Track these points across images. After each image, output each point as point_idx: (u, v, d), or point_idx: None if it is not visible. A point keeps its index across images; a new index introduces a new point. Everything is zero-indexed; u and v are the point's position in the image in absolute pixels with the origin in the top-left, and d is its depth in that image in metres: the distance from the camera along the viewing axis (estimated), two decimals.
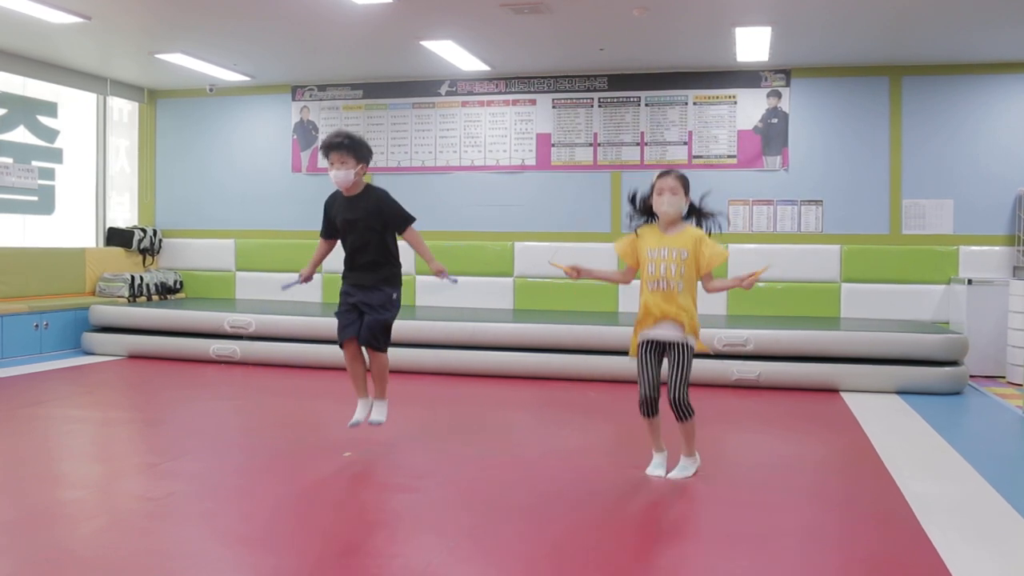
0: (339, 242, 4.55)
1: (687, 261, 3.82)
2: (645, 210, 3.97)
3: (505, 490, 3.78)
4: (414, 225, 4.48)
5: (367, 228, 4.35)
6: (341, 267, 4.52)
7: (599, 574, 2.86)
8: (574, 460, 4.37)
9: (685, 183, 3.88)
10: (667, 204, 3.84)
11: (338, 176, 4.31)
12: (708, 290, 3.94)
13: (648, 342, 3.88)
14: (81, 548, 3.04)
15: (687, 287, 3.84)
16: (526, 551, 3.05)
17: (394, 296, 4.43)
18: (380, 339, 4.39)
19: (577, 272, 3.99)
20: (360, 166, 4.33)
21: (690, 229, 3.90)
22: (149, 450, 4.60)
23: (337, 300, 4.54)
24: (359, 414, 4.50)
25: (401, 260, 4.52)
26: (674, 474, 3.94)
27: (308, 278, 4.59)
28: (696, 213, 3.94)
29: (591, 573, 2.86)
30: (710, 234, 3.92)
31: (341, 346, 4.45)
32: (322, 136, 9.03)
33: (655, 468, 4.00)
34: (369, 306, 4.35)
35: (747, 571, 2.88)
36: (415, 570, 2.83)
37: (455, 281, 4.56)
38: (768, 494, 3.78)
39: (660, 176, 3.90)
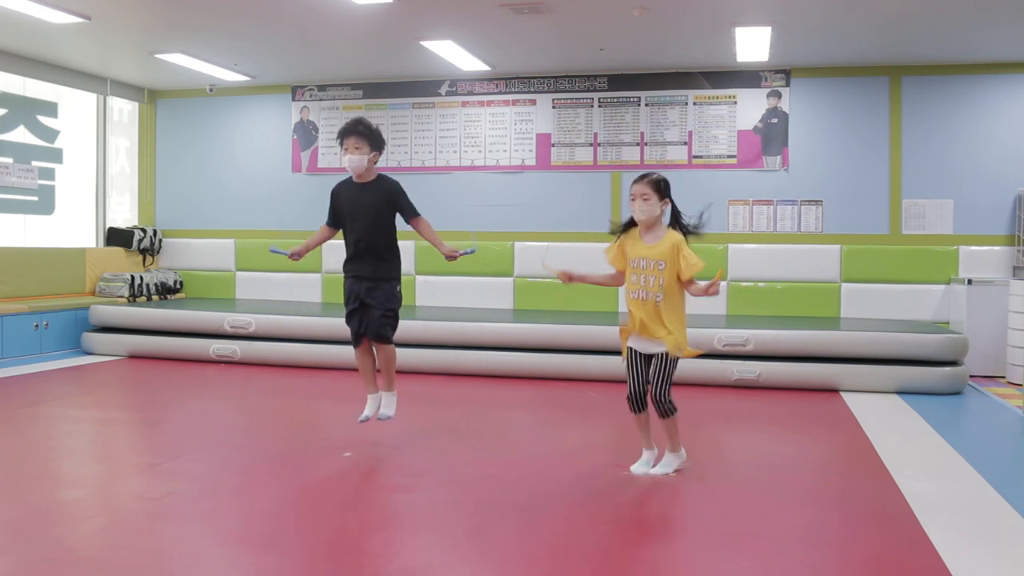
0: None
1: (666, 272, 3.80)
2: (631, 218, 3.97)
3: (505, 490, 3.78)
4: (422, 218, 4.52)
5: (376, 217, 4.36)
6: (343, 265, 4.52)
7: (598, 574, 2.86)
8: (574, 460, 4.37)
9: (658, 187, 3.83)
10: (639, 211, 3.85)
11: (352, 161, 4.32)
12: (692, 294, 3.91)
13: (633, 348, 3.94)
14: (81, 548, 3.04)
15: (668, 297, 3.81)
16: (526, 551, 3.05)
17: (397, 289, 4.47)
18: (386, 331, 4.41)
19: (568, 277, 4.03)
20: (374, 154, 4.35)
21: (669, 236, 3.86)
22: (149, 450, 4.60)
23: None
24: (368, 410, 4.53)
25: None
26: (656, 470, 3.97)
27: (298, 256, 4.54)
28: (676, 221, 3.92)
29: (590, 573, 2.86)
30: (687, 236, 3.88)
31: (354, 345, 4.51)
32: (322, 136, 9.03)
33: (641, 466, 4.02)
34: (375, 300, 4.36)
35: (747, 571, 2.88)
36: (415, 570, 2.83)
37: (472, 251, 4.55)
38: (768, 494, 3.78)
39: (634, 182, 3.89)
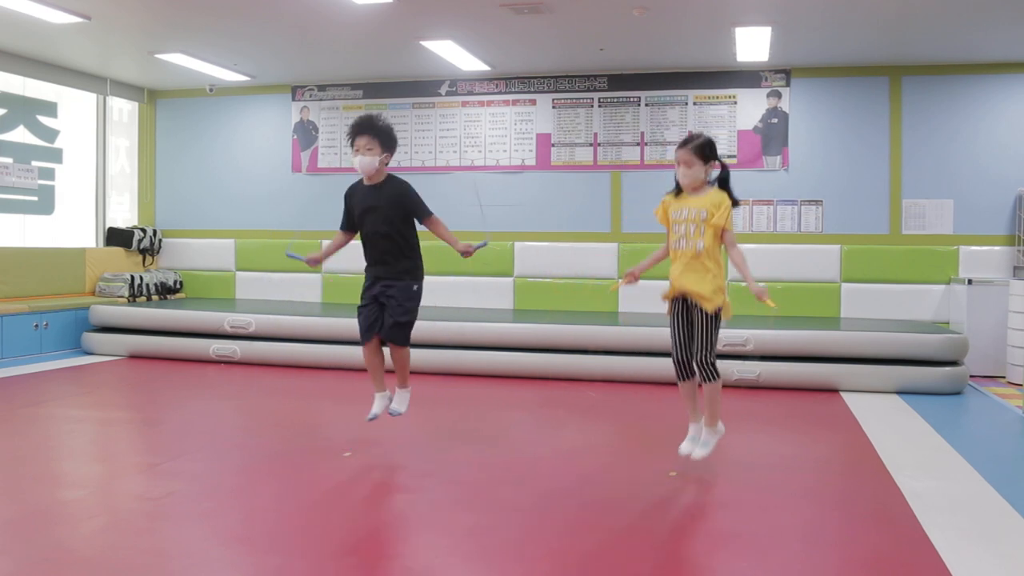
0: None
1: (707, 221, 3.87)
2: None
3: (505, 490, 3.78)
4: (436, 218, 4.41)
5: (387, 217, 4.27)
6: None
7: (598, 574, 2.86)
8: (574, 460, 4.37)
9: (702, 151, 3.89)
10: (682, 175, 3.94)
11: (363, 163, 4.22)
12: (730, 256, 3.95)
13: (675, 301, 3.97)
14: (81, 548, 3.04)
15: (709, 247, 3.87)
16: (526, 551, 3.05)
17: (415, 288, 4.36)
18: (403, 334, 4.36)
19: (634, 277, 4.05)
20: (385, 154, 4.26)
21: (713, 192, 3.93)
22: (149, 450, 4.60)
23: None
24: (377, 407, 4.48)
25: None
26: (698, 453, 3.98)
27: (315, 262, 4.48)
28: (724, 182, 3.96)
29: (591, 573, 2.86)
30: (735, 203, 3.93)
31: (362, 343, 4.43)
32: (322, 136, 9.03)
33: (688, 444, 4.05)
34: (391, 298, 4.28)
35: (747, 571, 2.88)
36: (415, 570, 2.83)
37: (486, 244, 4.46)
38: (768, 494, 3.78)
39: (678, 147, 3.96)
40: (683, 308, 3.95)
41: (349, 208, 4.43)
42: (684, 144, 3.93)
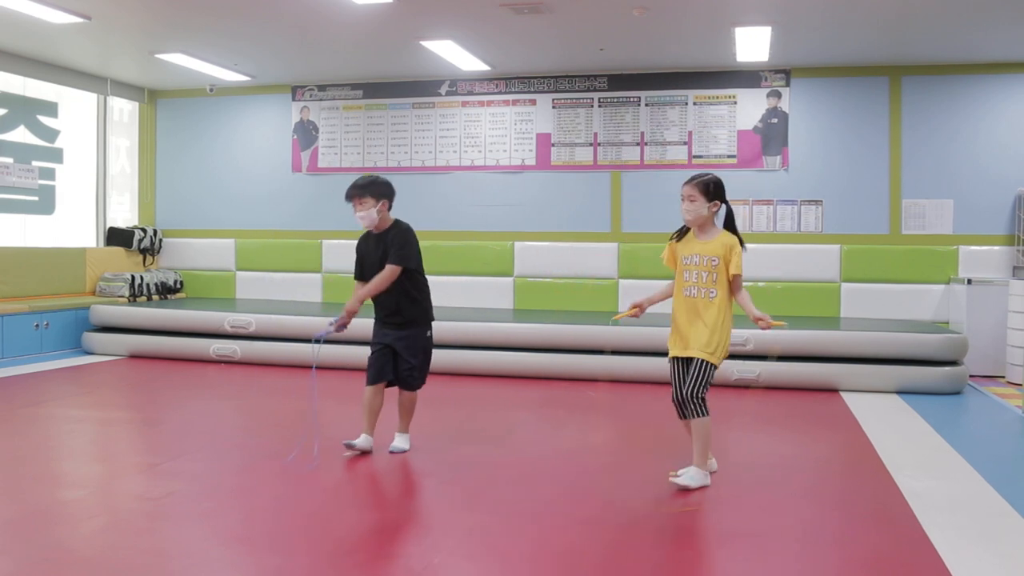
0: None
1: (719, 268, 3.81)
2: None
3: (506, 490, 3.78)
4: (393, 271, 4.23)
5: (383, 266, 4.27)
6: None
7: (599, 573, 2.86)
8: (574, 460, 4.37)
9: (706, 188, 3.84)
10: (685, 211, 3.88)
11: (362, 219, 4.30)
12: (740, 303, 3.89)
13: (676, 359, 3.90)
14: (81, 548, 3.04)
15: (720, 296, 3.81)
16: (527, 551, 3.05)
17: (427, 334, 4.44)
18: (415, 381, 4.41)
19: (640, 308, 4.03)
20: (381, 203, 4.28)
21: (724, 236, 3.88)
22: (149, 450, 4.61)
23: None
24: (361, 443, 4.32)
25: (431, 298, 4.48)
26: (679, 479, 3.79)
27: (343, 326, 4.31)
28: (730, 224, 3.91)
29: (591, 572, 2.86)
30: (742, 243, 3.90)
31: (368, 383, 4.37)
32: (322, 136, 9.03)
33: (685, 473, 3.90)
34: (403, 348, 4.33)
35: (747, 571, 2.88)
36: (415, 570, 2.83)
37: (331, 329, 4.24)
38: (768, 494, 3.78)
39: (684, 184, 3.92)
40: (680, 359, 3.88)
41: (360, 257, 4.45)
42: (689, 180, 3.89)
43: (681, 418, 3.89)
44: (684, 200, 3.87)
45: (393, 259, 4.24)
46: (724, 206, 3.91)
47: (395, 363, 4.37)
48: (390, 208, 4.36)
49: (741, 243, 3.90)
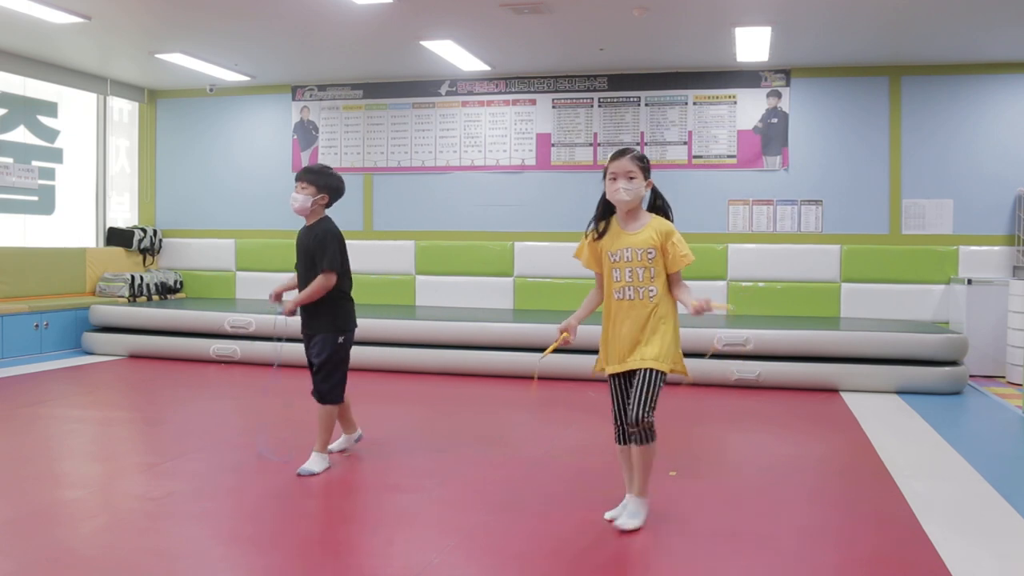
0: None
1: (655, 261, 3.20)
2: (603, 205, 3.34)
3: (505, 489, 3.78)
4: (329, 276, 4.02)
5: (306, 265, 4.09)
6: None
7: (598, 573, 2.86)
8: (574, 460, 4.37)
9: (644, 165, 3.23)
10: (624, 191, 3.19)
11: (294, 200, 4.09)
12: (680, 301, 3.25)
13: (616, 375, 3.29)
14: (81, 547, 3.04)
15: (661, 291, 3.21)
16: (526, 551, 3.05)
17: (338, 340, 4.07)
18: (322, 390, 4.09)
19: (571, 331, 3.40)
20: (321, 195, 4.10)
21: (656, 221, 3.25)
22: (149, 450, 4.61)
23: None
24: (338, 444, 4.20)
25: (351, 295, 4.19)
26: (623, 522, 3.23)
27: (291, 313, 4.11)
28: (659, 204, 3.32)
29: (591, 572, 2.86)
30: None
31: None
32: (322, 136, 9.04)
33: (618, 510, 3.36)
34: (315, 356, 4.08)
35: (747, 571, 2.88)
36: (415, 570, 2.83)
37: (280, 315, 4.10)
38: (768, 494, 3.78)
39: (612, 158, 3.24)
40: (621, 377, 3.29)
41: (296, 249, 4.24)
42: (621, 154, 3.22)
43: (620, 444, 3.33)
44: (619, 178, 3.19)
45: (324, 264, 4.01)
46: (652, 186, 3.31)
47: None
48: (329, 205, 4.17)
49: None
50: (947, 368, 6.33)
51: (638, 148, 3.29)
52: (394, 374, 7.03)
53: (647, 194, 3.27)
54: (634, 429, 3.19)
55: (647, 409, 3.17)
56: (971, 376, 6.94)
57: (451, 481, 3.93)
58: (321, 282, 4.02)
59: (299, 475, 3.94)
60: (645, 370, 3.17)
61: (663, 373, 3.20)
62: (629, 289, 3.23)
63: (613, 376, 3.30)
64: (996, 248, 7.61)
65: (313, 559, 2.93)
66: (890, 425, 5.25)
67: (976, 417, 5.73)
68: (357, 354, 7.21)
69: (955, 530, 3.26)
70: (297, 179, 4.16)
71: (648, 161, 3.28)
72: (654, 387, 3.18)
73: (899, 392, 6.33)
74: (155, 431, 5.05)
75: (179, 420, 5.39)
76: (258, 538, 3.18)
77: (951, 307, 7.55)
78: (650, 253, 3.20)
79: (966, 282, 7.26)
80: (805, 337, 6.50)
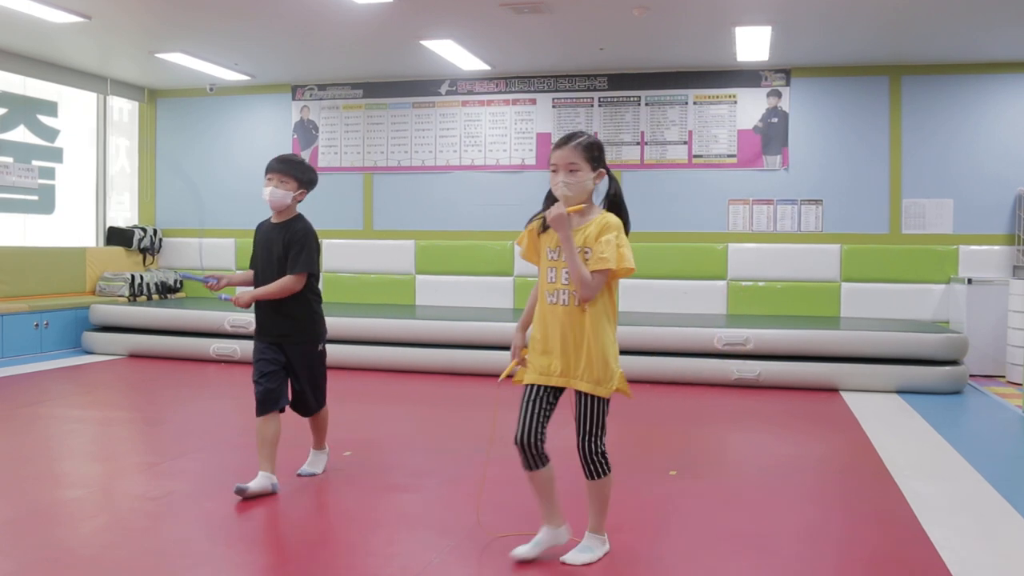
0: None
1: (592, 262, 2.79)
2: (551, 196, 2.89)
3: (505, 489, 3.78)
4: (299, 279, 3.74)
5: (269, 262, 3.80)
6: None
7: (598, 572, 2.86)
8: (573, 459, 4.36)
9: (590, 153, 2.82)
10: (564, 186, 2.80)
11: (271, 195, 3.79)
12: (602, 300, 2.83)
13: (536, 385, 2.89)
14: (81, 547, 3.04)
15: (602, 301, 2.82)
16: None
17: (319, 348, 3.87)
18: (319, 401, 3.92)
19: (522, 339, 3.03)
20: (300, 191, 3.85)
21: (601, 218, 2.83)
22: (149, 450, 4.61)
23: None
24: (255, 484, 3.59)
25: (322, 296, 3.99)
26: (571, 556, 2.87)
27: (215, 284, 3.85)
28: (615, 200, 2.90)
29: (590, 572, 2.86)
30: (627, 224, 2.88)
31: (259, 413, 3.68)
32: (322, 135, 9.04)
33: (533, 548, 2.89)
34: (302, 372, 3.79)
35: (747, 571, 2.88)
36: (415, 570, 2.83)
37: (226, 299, 3.85)
38: (768, 494, 3.78)
39: (555, 146, 2.85)
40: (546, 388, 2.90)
41: (255, 244, 3.93)
42: (564, 142, 2.83)
43: (531, 468, 2.89)
44: (560, 171, 2.80)
45: (299, 266, 3.72)
46: (608, 177, 2.90)
47: (295, 388, 3.83)
48: (301, 200, 3.90)
49: (627, 226, 2.87)
50: (947, 368, 6.33)
51: (590, 134, 2.78)
52: (394, 374, 7.03)
53: (597, 186, 2.87)
54: (589, 463, 2.87)
55: (598, 439, 2.85)
56: (971, 376, 6.94)
57: (451, 481, 3.93)
58: (289, 283, 3.70)
59: (299, 475, 3.95)
60: (586, 398, 2.83)
61: (606, 400, 2.85)
62: (563, 293, 2.82)
63: (535, 388, 2.89)
64: (996, 248, 7.61)
65: (313, 559, 2.93)
66: (890, 425, 5.25)
67: (976, 417, 5.73)
68: (357, 354, 7.27)
69: (955, 530, 3.26)
70: (273, 171, 3.81)
71: (600, 149, 2.87)
72: (599, 415, 2.85)
73: (899, 392, 6.33)
74: (155, 431, 5.05)
75: (179, 420, 5.39)
76: (257, 538, 3.18)
77: (951, 307, 7.55)
78: (587, 253, 2.79)
79: (966, 282, 7.26)
80: (805, 337, 6.51)
